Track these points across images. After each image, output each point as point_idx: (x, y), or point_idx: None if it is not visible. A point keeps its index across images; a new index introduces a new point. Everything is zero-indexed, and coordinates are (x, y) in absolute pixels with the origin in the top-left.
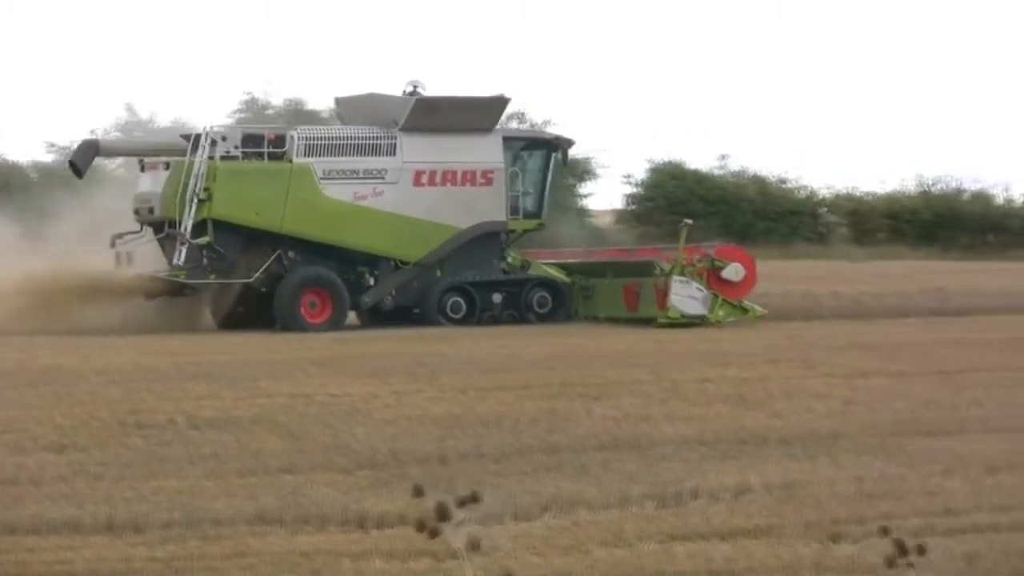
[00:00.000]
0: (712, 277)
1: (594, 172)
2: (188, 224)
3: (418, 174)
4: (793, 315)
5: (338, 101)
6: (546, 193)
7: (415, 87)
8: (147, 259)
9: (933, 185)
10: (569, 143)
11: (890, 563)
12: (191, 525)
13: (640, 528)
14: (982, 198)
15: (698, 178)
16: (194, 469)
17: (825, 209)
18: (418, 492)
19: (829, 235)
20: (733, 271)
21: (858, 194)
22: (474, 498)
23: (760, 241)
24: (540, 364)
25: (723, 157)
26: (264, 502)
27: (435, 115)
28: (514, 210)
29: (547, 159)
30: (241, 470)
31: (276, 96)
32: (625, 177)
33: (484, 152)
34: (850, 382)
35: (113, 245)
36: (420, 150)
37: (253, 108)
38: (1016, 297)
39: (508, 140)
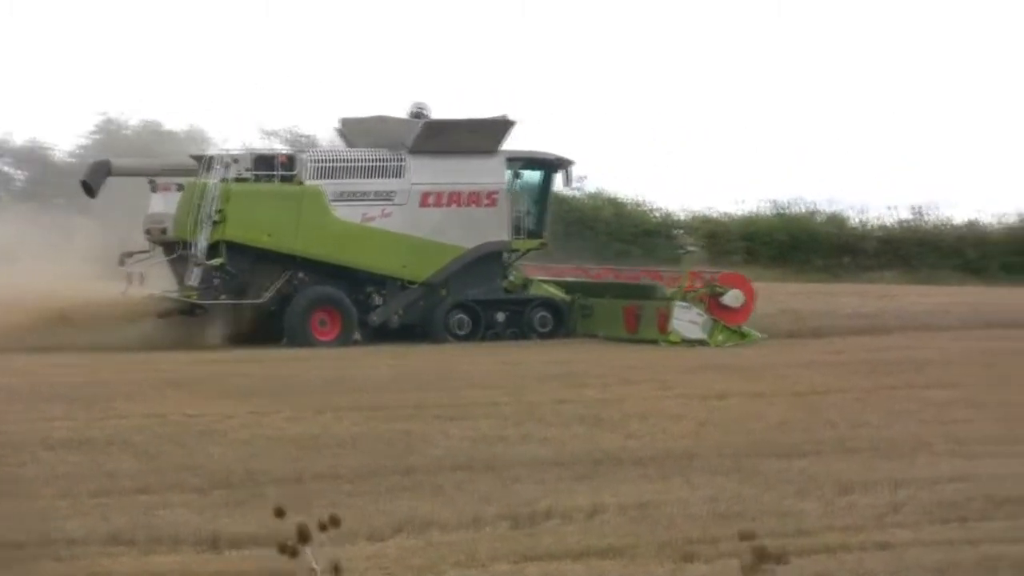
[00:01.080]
0: (712, 303)
1: None
2: (202, 245)
3: (425, 195)
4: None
5: (343, 122)
6: (547, 213)
7: (420, 110)
8: (158, 279)
9: (788, 207)
10: (570, 163)
11: (749, 572)
12: (44, 545)
13: (494, 548)
14: (837, 220)
15: (556, 200)
16: (47, 489)
17: (681, 231)
18: (279, 513)
19: (686, 256)
20: (733, 297)
21: (715, 216)
22: (334, 521)
23: (618, 263)
24: (396, 385)
25: (580, 179)
26: (117, 522)
27: (442, 137)
28: (516, 230)
29: (548, 179)
30: (95, 490)
31: (133, 117)
32: None
33: (488, 173)
34: (705, 403)
35: (122, 263)
36: (427, 172)
37: (107, 129)
38: (870, 319)
39: (511, 161)
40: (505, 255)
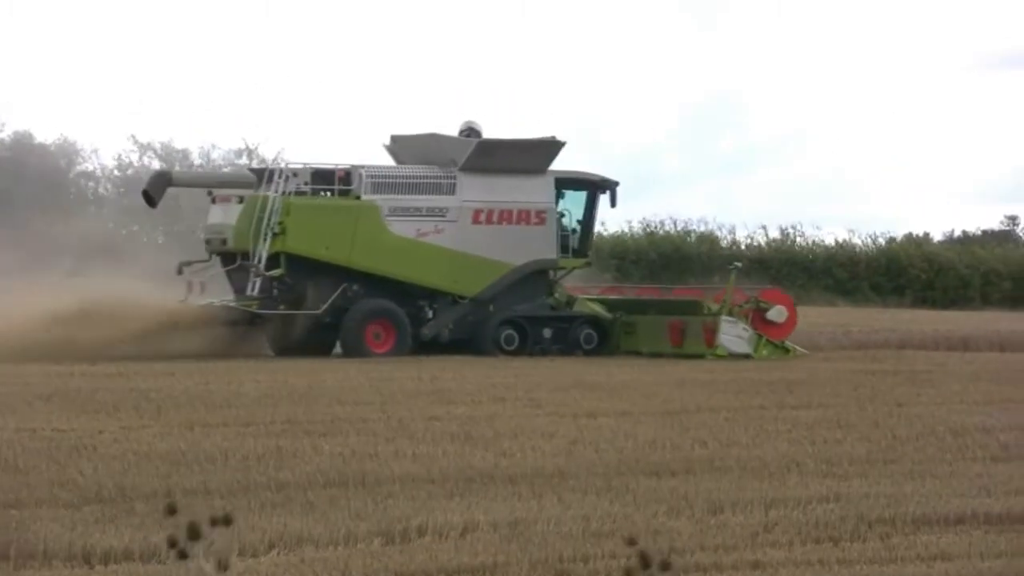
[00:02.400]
0: (757, 318)
1: None
2: (263, 256)
3: (476, 213)
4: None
5: (394, 139)
6: (592, 232)
7: (471, 128)
8: (217, 288)
9: (659, 226)
10: (615, 184)
11: (630, 574)
12: None
13: (366, 565)
14: (708, 239)
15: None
16: None
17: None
18: (171, 510)
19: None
20: (777, 313)
21: None
22: (227, 520)
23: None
24: (265, 401)
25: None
26: None
27: (493, 157)
28: (563, 248)
29: (592, 199)
30: None
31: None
32: None
33: (537, 192)
34: (577, 421)
35: (180, 272)
36: (478, 190)
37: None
38: None
39: (558, 181)
40: (551, 273)
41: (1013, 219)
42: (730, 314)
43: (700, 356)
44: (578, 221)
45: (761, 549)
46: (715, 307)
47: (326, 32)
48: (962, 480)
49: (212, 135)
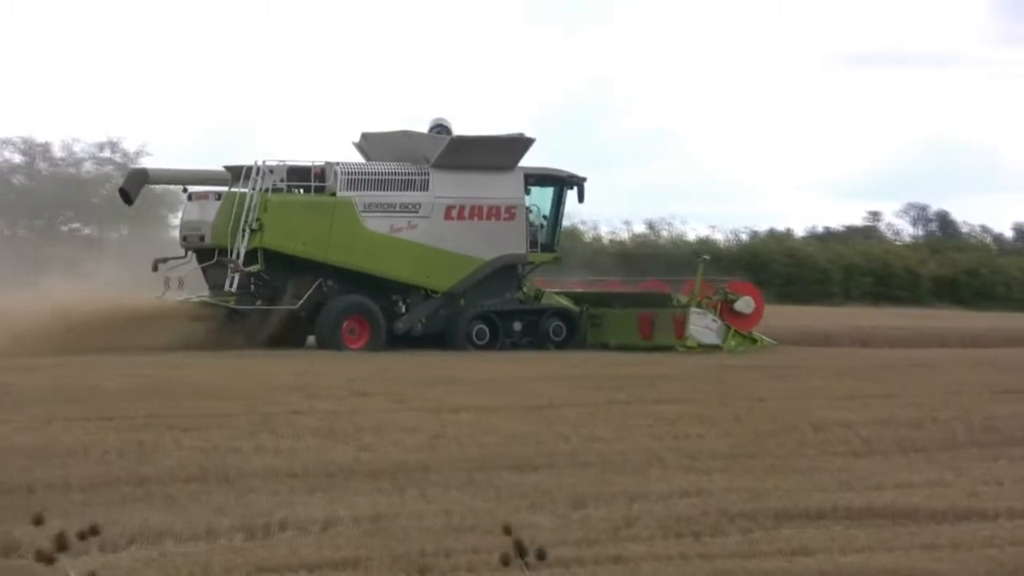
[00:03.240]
0: (725, 309)
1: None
2: (241, 252)
3: (448, 209)
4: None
5: (364, 136)
6: (559, 228)
7: (440, 125)
8: (193, 284)
9: None
10: (583, 180)
11: (505, 561)
12: None
13: (228, 560)
14: (571, 234)
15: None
16: None
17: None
18: (38, 521)
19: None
20: (744, 304)
21: None
22: (94, 531)
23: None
24: (126, 395)
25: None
26: None
27: (465, 153)
28: (531, 243)
29: (560, 195)
30: None
31: None
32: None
33: (507, 188)
34: (439, 416)
35: (155, 269)
36: (450, 186)
37: None
38: None
39: (527, 177)
40: (520, 267)
41: (875, 215)
42: (699, 306)
43: (670, 348)
44: (544, 217)
45: (623, 543)
46: (684, 299)
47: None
48: (823, 475)
49: (74, 129)
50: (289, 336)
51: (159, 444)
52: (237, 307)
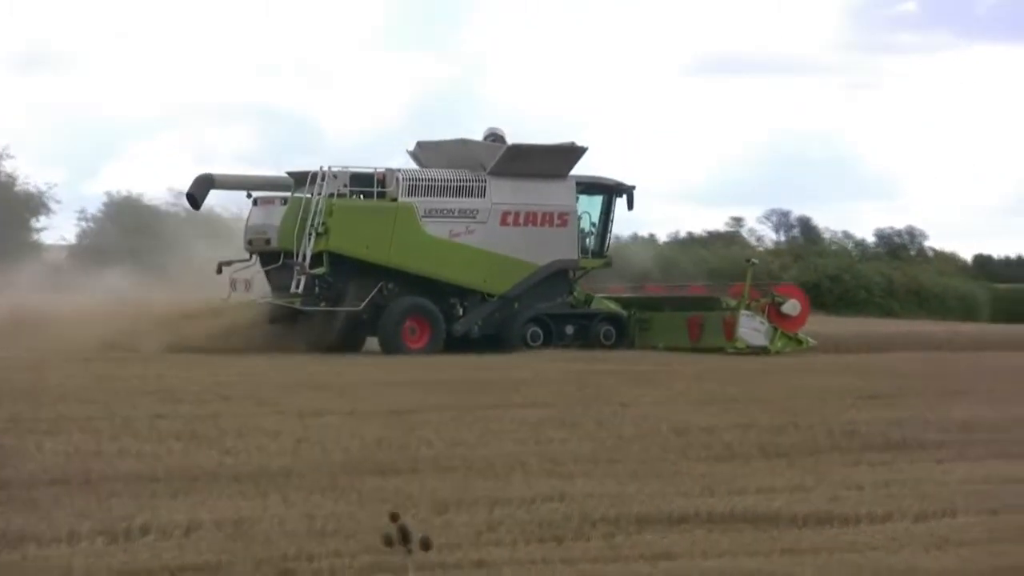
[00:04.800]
0: (772, 311)
1: (48, 206)
2: (307, 255)
3: (505, 215)
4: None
5: (420, 145)
6: (608, 234)
7: (494, 134)
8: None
9: None
10: (632, 188)
11: (388, 543)
12: None
13: (89, 564)
14: None
15: (154, 214)
16: None
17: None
18: None
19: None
20: (791, 307)
21: None
22: None
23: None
24: None
25: (179, 194)
26: None
27: (521, 161)
28: (582, 249)
29: (609, 203)
30: None
31: None
32: (79, 212)
33: (560, 196)
34: (302, 420)
35: (219, 271)
36: (506, 192)
37: None
38: None
39: (578, 185)
40: (571, 272)
41: (738, 220)
42: (748, 308)
43: (719, 349)
44: (592, 224)
45: (485, 548)
46: (733, 303)
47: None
48: (685, 479)
49: None
50: (348, 338)
51: (21, 448)
52: (302, 308)
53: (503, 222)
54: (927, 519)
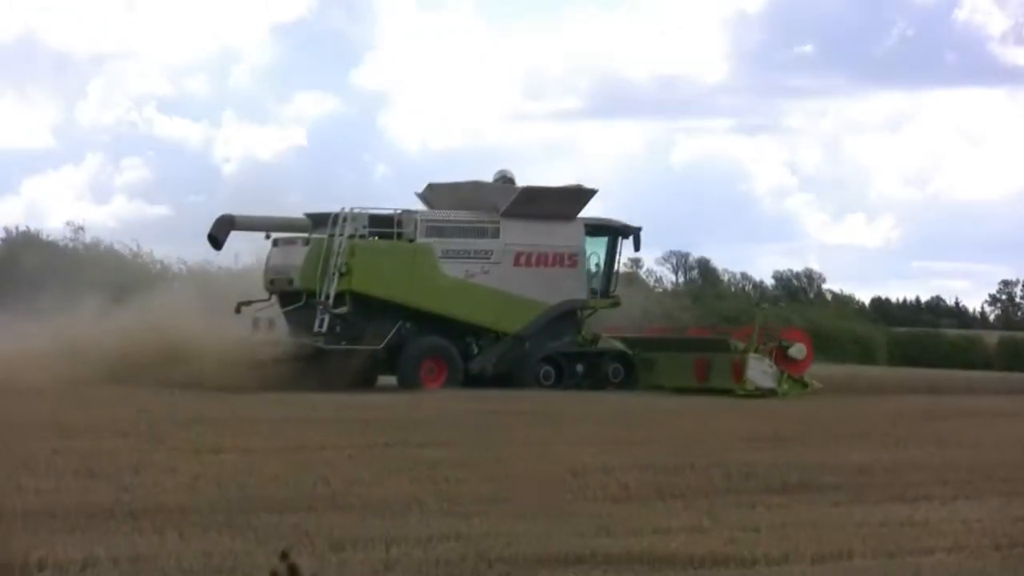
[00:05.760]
0: (779, 355)
1: None
2: (331, 295)
3: (518, 255)
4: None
5: (431, 187)
6: (613, 275)
7: (504, 176)
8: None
9: None
10: (638, 230)
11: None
12: None
13: None
14: None
15: (53, 251)
16: None
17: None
18: None
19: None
20: (797, 350)
21: None
22: None
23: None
24: None
25: (77, 229)
26: None
27: (534, 203)
28: (591, 290)
29: (614, 244)
30: None
31: None
32: None
33: (569, 237)
34: (200, 457)
35: (238, 311)
36: (519, 234)
37: None
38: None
39: (585, 226)
40: (578, 312)
41: (636, 262)
42: (756, 352)
43: (727, 391)
44: (596, 265)
45: None
46: (740, 345)
47: None
48: (582, 520)
49: None
50: (360, 376)
51: None
52: (325, 346)
53: (516, 263)
54: (823, 561)
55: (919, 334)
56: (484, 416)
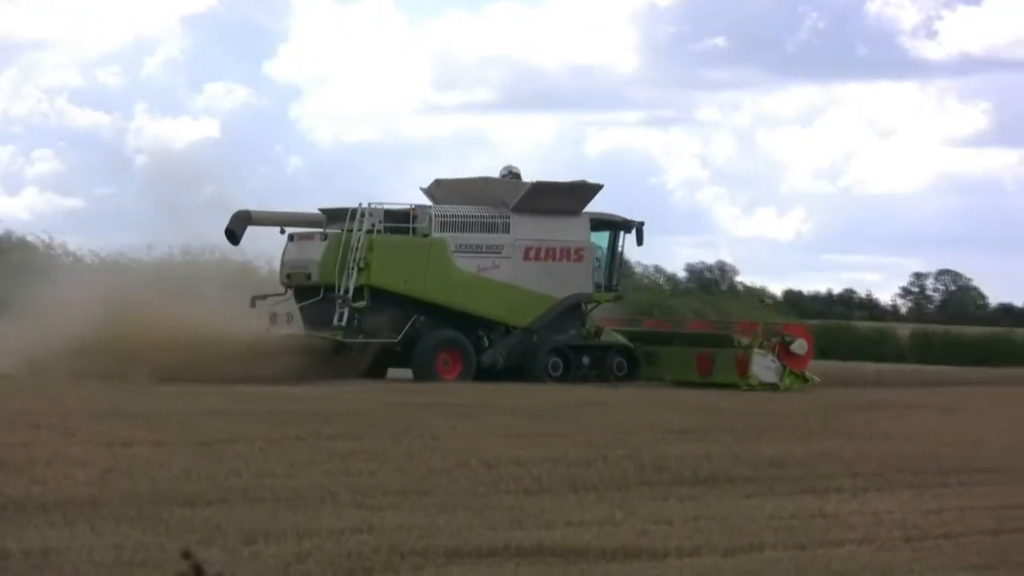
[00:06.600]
0: (782, 350)
1: None
2: (350, 289)
3: (527, 250)
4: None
5: (437, 183)
6: (615, 268)
7: (510, 171)
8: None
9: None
10: (640, 224)
11: None
12: None
13: None
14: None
15: None
16: None
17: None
18: None
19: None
20: (799, 346)
21: None
22: None
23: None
24: None
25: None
26: None
27: (543, 198)
28: (596, 284)
29: (615, 238)
30: None
31: None
32: None
33: (575, 232)
34: (111, 450)
35: (253, 305)
36: (529, 229)
37: None
38: None
39: (591, 221)
40: (583, 306)
41: None
42: (760, 347)
43: (730, 385)
44: (597, 259)
45: None
46: (745, 340)
47: None
48: (495, 512)
49: None
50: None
51: None
52: (344, 340)
53: (525, 257)
54: (735, 554)
55: (831, 326)
56: (397, 409)
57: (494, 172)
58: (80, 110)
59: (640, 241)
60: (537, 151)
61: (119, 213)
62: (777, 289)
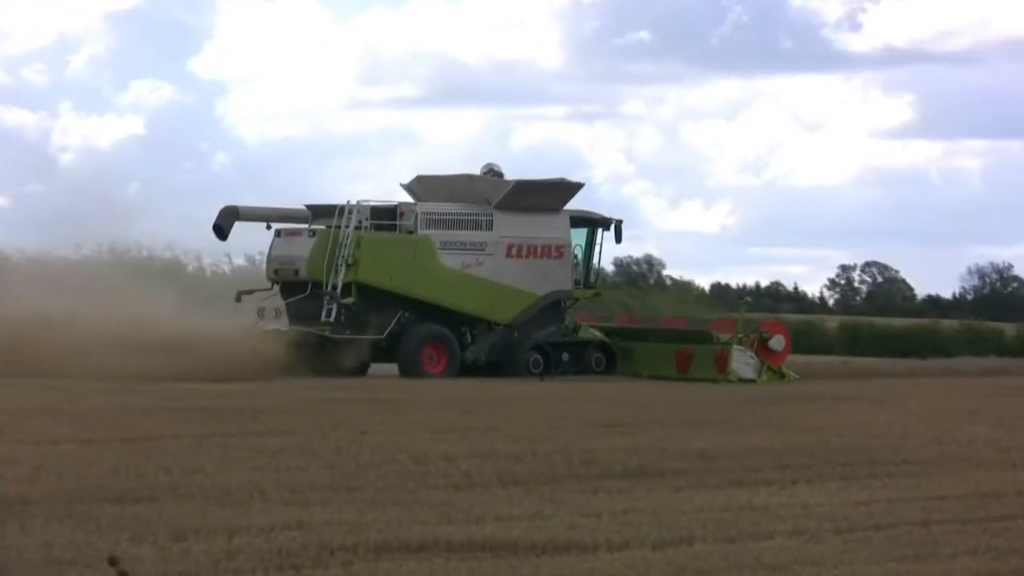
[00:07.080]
0: (760, 347)
1: None
2: (339, 285)
3: (510, 247)
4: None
5: (420, 179)
6: (593, 265)
7: (492, 169)
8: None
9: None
10: (619, 222)
11: None
12: None
13: None
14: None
15: None
16: None
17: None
18: None
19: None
20: (777, 342)
21: None
22: None
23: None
24: None
25: None
26: None
27: (525, 196)
28: (575, 281)
29: (592, 235)
30: None
31: None
32: None
33: (556, 229)
34: (39, 448)
35: (239, 300)
36: (511, 226)
37: None
38: None
39: (570, 218)
40: (562, 302)
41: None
42: (739, 343)
43: (709, 380)
44: (575, 256)
45: None
46: (724, 337)
47: None
48: (424, 508)
49: None
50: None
51: None
52: (331, 336)
53: (508, 254)
54: (664, 547)
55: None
56: (325, 404)
57: (423, 168)
58: (5, 108)
59: (619, 239)
60: (463, 146)
61: (45, 211)
62: (704, 282)
